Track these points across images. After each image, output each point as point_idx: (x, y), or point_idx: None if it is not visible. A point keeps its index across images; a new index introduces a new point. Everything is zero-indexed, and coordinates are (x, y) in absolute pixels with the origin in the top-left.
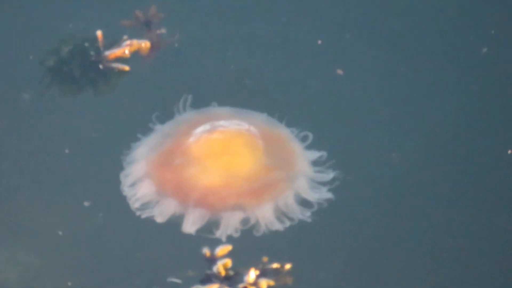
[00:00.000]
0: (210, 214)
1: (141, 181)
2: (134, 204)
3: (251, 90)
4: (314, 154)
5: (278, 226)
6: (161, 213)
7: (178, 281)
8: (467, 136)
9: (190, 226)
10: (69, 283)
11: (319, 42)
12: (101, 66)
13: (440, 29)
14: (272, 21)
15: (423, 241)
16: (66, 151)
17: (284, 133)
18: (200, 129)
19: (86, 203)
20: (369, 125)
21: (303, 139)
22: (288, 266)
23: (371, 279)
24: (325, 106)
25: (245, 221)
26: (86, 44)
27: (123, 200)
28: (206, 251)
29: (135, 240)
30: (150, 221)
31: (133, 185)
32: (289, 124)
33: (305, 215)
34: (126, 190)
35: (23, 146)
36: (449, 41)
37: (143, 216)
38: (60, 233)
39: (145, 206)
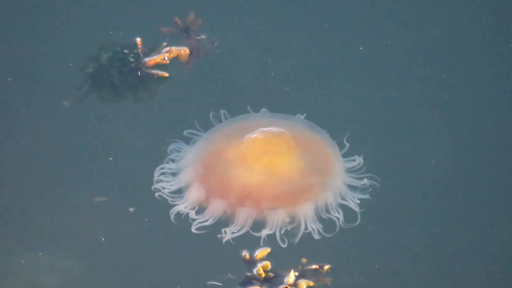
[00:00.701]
0: (256, 214)
1: (190, 186)
2: (184, 209)
3: (290, 97)
4: (352, 159)
5: (316, 228)
6: (211, 215)
7: (218, 284)
8: (507, 141)
9: (236, 226)
10: None
11: (361, 48)
12: (139, 73)
13: (480, 33)
14: (313, 28)
15: (462, 244)
16: (110, 158)
17: (323, 138)
18: (241, 133)
19: (130, 209)
20: (407, 131)
21: (341, 144)
22: (327, 267)
23: (409, 283)
24: (364, 113)
25: (287, 222)
26: (126, 51)
27: (166, 206)
28: (245, 253)
29: (177, 245)
30: (190, 225)
31: (180, 190)
32: (328, 130)
33: (342, 218)
34: (173, 196)
35: (65, 154)
36: (488, 45)
37: (195, 222)
38: (103, 239)
39: (193, 209)
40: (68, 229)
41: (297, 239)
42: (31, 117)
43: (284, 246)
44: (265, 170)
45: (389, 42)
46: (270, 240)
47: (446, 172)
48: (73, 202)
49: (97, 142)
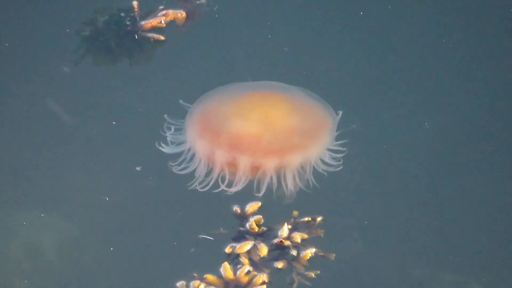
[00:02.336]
0: (251, 165)
1: (195, 142)
2: (193, 166)
3: (289, 60)
4: (347, 125)
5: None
6: (214, 165)
7: (210, 238)
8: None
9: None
10: (112, 248)
11: (361, 13)
12: (136, 36)
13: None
14: None
15: (452, 211)
16: (113, 123)
17: (316, 103)
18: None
19: (138, 168)
20: (404, 96)
21: (336, 109)
22: (319, 218)
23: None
24: (361, 77)
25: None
26: (122, 14)
27: (165, 165)
28: (236, 208)
29: (171, 204)
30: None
31: (185, 147)
32: (324, 92)
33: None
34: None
35: (67, 118)
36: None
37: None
38: (107, 198)
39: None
40: (67, 190)
41: (287, 199)
42: (31, 81)
43: (273, 199)
44: (261, 118)
45: (389, 7)
46: (259, 196)
47: (440, 136)
48: (73, 163)
49: (101, 106)
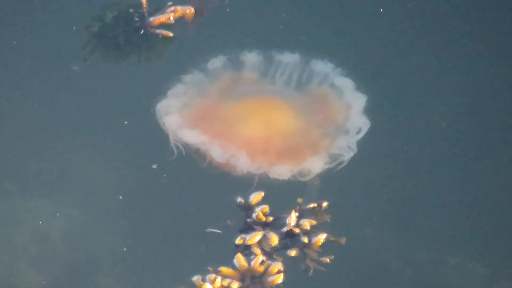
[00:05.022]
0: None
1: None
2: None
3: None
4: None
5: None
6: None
7: (218, 231)
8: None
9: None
10: (125, 249)
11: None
12: (144, 32)
13: None
14: None
15: (455, 194)
16: (125, 122)
17: (328, 90)
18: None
19: (154, 166)
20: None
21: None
22: (325, 204)
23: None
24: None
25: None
26: (131, 10)
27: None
28: (240, 200)
29: (182, 197)
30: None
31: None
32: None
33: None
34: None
35: (77, 116)
36: None
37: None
38: (120, 197)
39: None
40: (73, 178)
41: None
42: (40, 80)
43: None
44: (262, 120)
45: (408, 5)
46: (260, 185)
47: (453, 123)
48: (89, 156)
49: (111, 104)
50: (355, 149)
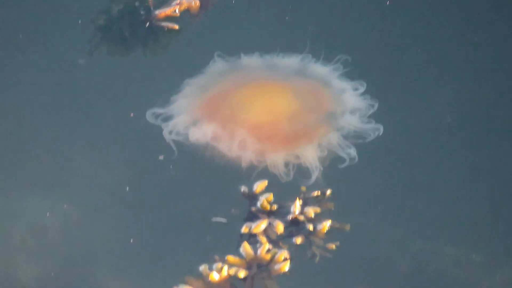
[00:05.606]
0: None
1: (203, 124)
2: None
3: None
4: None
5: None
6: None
7: (223, 220)
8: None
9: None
10: (131, 240)
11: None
12: (150, 25)
13: None
14: None
15: (453, 182)
16: (131, 115)
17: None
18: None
19: (160, 157)
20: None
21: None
22: (328, 192)
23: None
24: (387, 69)
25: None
26: (137, 3)
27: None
28: (244, 188)
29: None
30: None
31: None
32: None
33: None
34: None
35: (83, 108)
36: None
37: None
38: (127, 188)
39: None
40: (70, 173)
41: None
42: (45, 73)
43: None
44: (264, 106)
45: None
46: (263, 173)
47: (458, 115)
48: (83, 147)
49: (117, 98)
50: (357, 139)
